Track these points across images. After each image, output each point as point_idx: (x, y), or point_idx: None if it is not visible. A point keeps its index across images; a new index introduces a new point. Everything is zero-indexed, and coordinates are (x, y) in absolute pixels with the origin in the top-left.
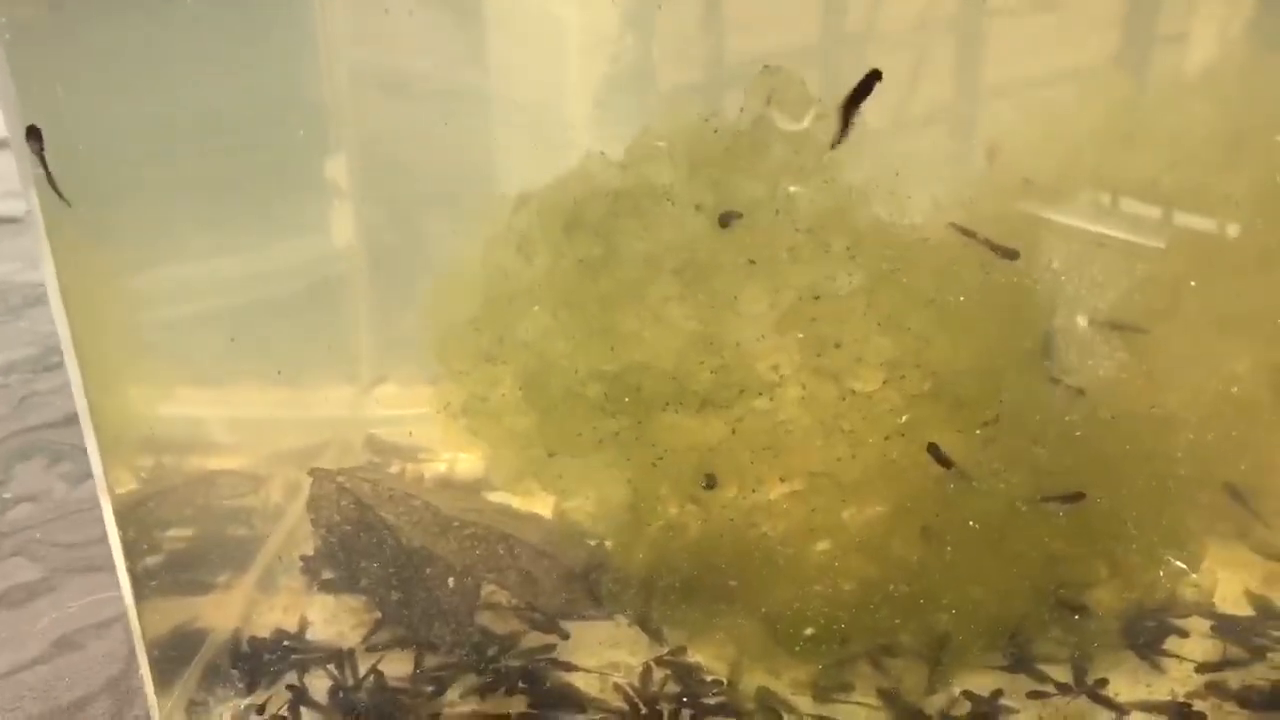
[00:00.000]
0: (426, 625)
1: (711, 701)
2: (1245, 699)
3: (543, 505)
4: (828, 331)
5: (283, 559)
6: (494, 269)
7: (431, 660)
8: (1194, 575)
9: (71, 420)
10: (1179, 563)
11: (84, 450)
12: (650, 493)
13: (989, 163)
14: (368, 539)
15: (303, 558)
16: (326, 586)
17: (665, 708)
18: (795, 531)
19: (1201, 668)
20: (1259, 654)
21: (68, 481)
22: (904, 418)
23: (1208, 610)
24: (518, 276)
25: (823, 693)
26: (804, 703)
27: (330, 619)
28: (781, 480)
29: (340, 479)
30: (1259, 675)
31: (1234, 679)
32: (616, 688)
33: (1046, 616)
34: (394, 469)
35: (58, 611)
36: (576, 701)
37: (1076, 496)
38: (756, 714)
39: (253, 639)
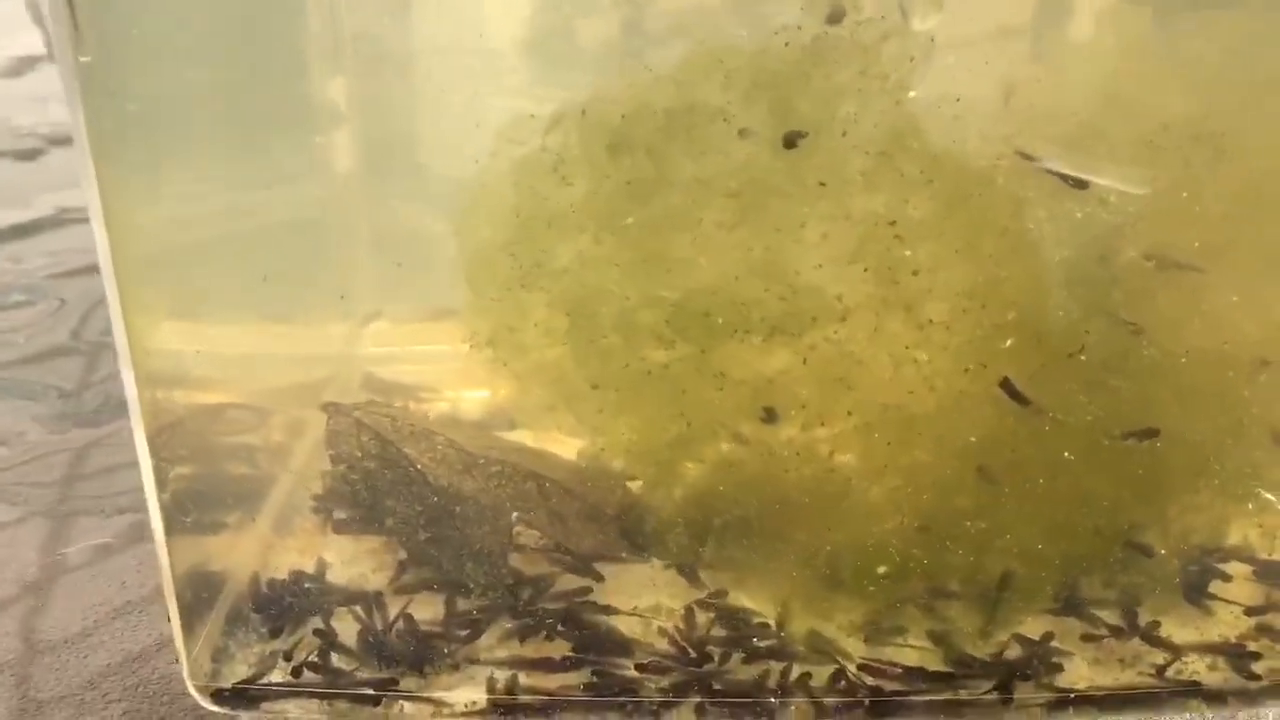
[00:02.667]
0: (458, 565)
1: (761, 645)
2: None
3: (565, 444)
4: (904, 259)
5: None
6: (527, 191)
7: (464, 603)
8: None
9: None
10: (1269, 495)
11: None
12: (704, 426)
13: (1005, 102)
14: (393, 476)
15: (315, 496)
16: (342, 527)
17: (714, 651)
18: (863, 466)
19: (1250, 610)
20: None
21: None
22: (985, 350)
23: (1248, 556)
24: (553, 199)
25: (875, 635)
26: (855, 645)
27: (349, 561)
28: (849, 414)
29: (357, 413)
30: None
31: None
32: (661, 631)
33: (1111, 558)
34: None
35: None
36: (621, 645)
37: (1151, 433)
38: (808, 657)
39: (272, 581)
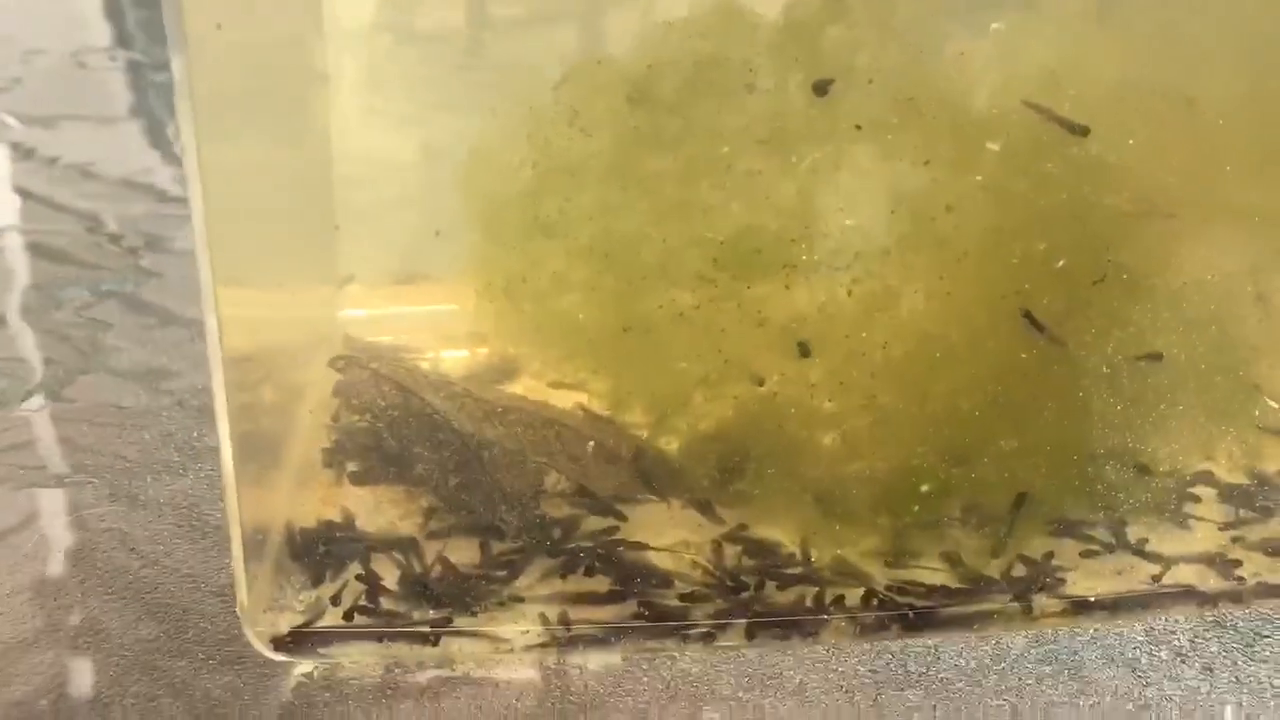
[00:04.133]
0: (491, 510)
1: (791, 572)
2: (1268, 548)
3: (558, 392)
4: (937, 199)
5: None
6: (540, 143)
7: (499, 546)
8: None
9: None
10: (1256, 411)
11: None
12: (737, 363)
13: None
14: (418, 424)
15: (324, 450)
16: (358, 478)
17: (749, 580)
18: (903, 395)
19: (1225, 526)
20: (1267, 513)
21: None
22: (1001, 282)
23: (1208, 479)
24: (571, 150)
25: (897, 559)
26: (877, 569)
27: (373, 509)
28: (884, 345)
29: (374, 365)
30: (1273, 530)
31: (1252, 533)
32: (695, 564)
33: (1107, 480)
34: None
35: None
36: (661, 577)
37: (1155, 356)
38: (838, 581)
39: (304, 530)
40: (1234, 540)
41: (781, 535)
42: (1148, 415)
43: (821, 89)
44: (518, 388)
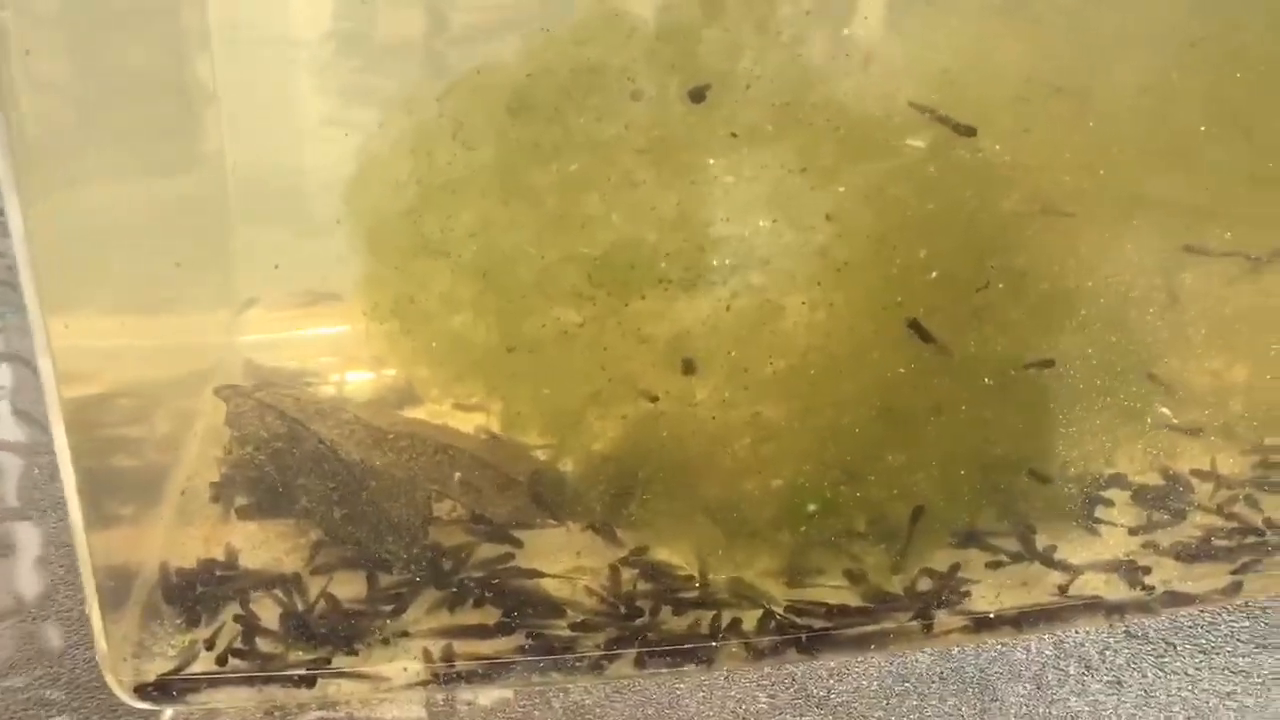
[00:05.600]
0: (378, 541)
1: (688, 596)
2: (1177, 553)
3: (461, 415)
4: (816, 205)
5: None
6: (424, 157)
7: (386, 579)
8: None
9: None
10: (1165, 410)
11: None
12: (623, 381)
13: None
14: (302, 454)
15: (212, 485)
16: (245, 513)
17: (644, 605)
18: (786, 411)
19: (1134, 530)
20: (1179, 515)
21: None
22: (886, 291)
23: (1121, 481)
24: (454, 165)
25: (795, 578)
26: (777, 589)
27: (259, 545)
28: (769, 360)
29: (259, 394)
30: (1184, 533)
31: (1163, 538)
32: (588, 590)
33: (1009, 489)
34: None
35: None
36: (552, 606)
37: (1047, 363)
38: (735, 603)
39: (180, 570)
40: (1145, 546)
41: (679, 558)
42: (1045, 422)
43: (698, 96)
44: (421, 411)
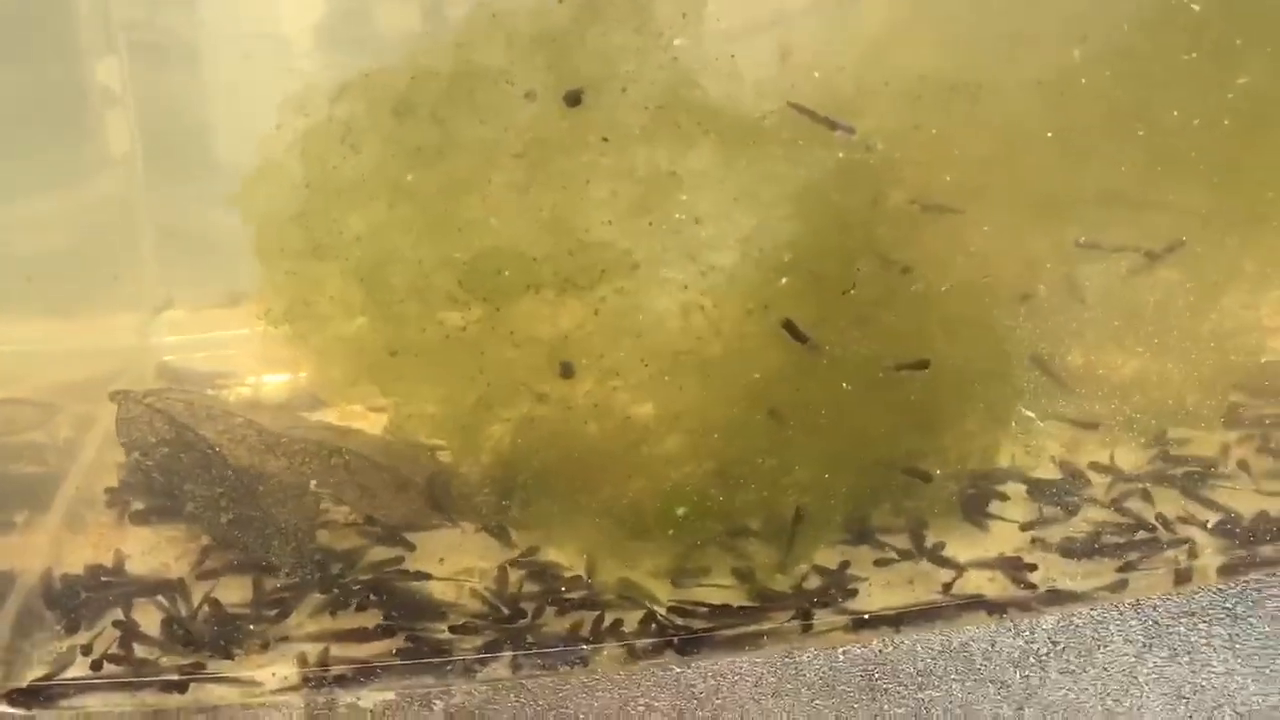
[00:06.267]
0: (264, 546)
1: (573, 596)
2: (1064, 549)
3: (371, 417)
4: (686, 208)
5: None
6: (315, 161)
7: (272, 583)
8: (1041, 425)
9: None
10: (1029, 413)
11: None
12: (505, 385)
13: (782, 61)
14: (190, 460)
15: (108, 490)
16: (139, 518)
17: (528, 606)
18: (655, 415)
19: (1025, 526)
20: (1072, 510)
21: None
22: (757, 292)
23: (1020, 475)
24: (342, 168)
25: (682, 578)
26: (663, 589)
27: (150, 550)
28: (643, 363)
29: (149, 400)
30: (1074, 528)
31: (1052, 533)
32: (474, 592)
33: (879, 489)
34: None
35: None
36: (433, 609)
37: (922, 364)
38: (619, 604)
39: (65, 577)
40: (1034, 542)
41: (567, 556)
42: (932, 419)
43: (573, 99)
44: (333, 414)
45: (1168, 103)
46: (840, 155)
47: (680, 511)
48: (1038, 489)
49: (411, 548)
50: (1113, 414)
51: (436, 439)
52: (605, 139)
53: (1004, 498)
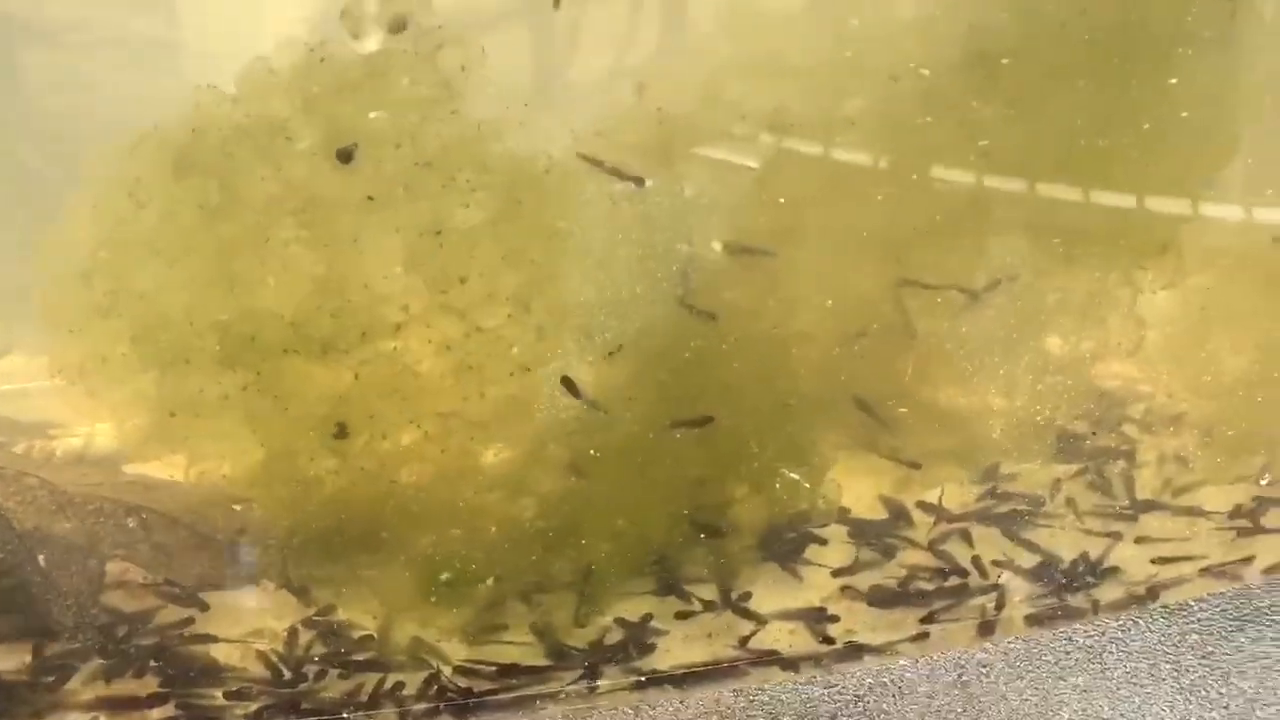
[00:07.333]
0: (44, 611)
1: (361, 658)
2: (872, 598)
3: (177, 472)
4: (451, 268)
5: None
6: (108, 215)
7: (53, 649)
8: (810, 486)
9: None
10: (794, 474)
11: None
12: (283, 447)
13: (639, 96)
14: None
15: None
16: None
17: (311, 670)
18: (430, 475)
19: (837, 572)
20: (889, 553)
21: None
22: (528, 351)
23: (844, 517)
24: (132, 223)
25: (475, 636)
26: (457, 649)
27: None
28: (413, 423)
29: None
30: (888, 574)
31: (864, 580)
32: (259, 655)
33: (685, 540)
34: (19, 448)
35: None
36: (213, 674)
37: (705, 420)
38: (410, 665)
39: None
40: (843, 590)
41: (357, 616)
42: (736, 468)
43: (346, 156)
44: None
45: (974, 146)
46: (628, 206)
47: (445, 576)
48: (860, 531)
49: (205, 608)
50: (941, 452)
51: (233, 497)
52: (370, 197)
53: (822, 541)
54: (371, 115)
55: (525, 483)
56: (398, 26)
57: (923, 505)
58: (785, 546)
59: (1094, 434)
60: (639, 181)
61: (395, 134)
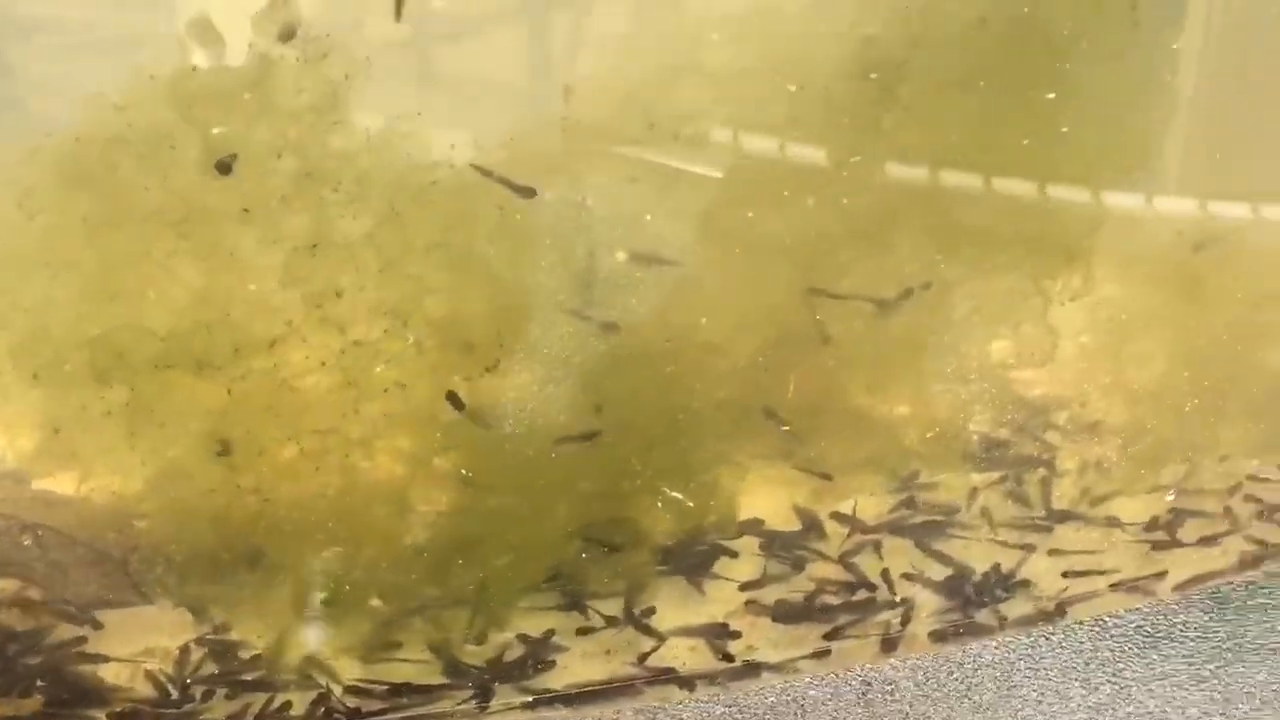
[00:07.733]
0: None
1: (249, 677)
2: (777, 613)
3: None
4: (328, 281)
5: None
6: None
7: None
8: (706, 500)
9: None
10: (683, 489)
11: None
12: (168, 464)
13: (565, 101)
14: None
15: None
16: None
17: (198, 690)
18: (309, 493)
19: (744, 586)
20: (800, 566)
21: None
22: (407, 366)
23: (757, 529)
24: (21, 234)
25: (369, 654)
26: (352, 667)
27: None
28: (291, 440)
29: None
30: (796, 587)
31: (771, 594)
32: (148, 675)
33: (585, 555)
34: None
35: None
36: (97, 695)
37: (591, 435)
38: (298, 685)
39: None
40: (747, 604)
41: (249, 634)
42: (638, 480)
43: (224, 167)
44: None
45: (883, 155)
46: (520, 217)
47: (323, 596)
48: (771, 543)
49: (99, 626)
50: (859, 461)
51: (131, 513)
52: (246, 210)
53: (733, 554)
54: (223, 128)
55: (408, 499)
56: (287, 35)
57: (837, 516)
58: (693, 560)
59: (1014, 441)
60: (529, 193)
61: (277, 144)
